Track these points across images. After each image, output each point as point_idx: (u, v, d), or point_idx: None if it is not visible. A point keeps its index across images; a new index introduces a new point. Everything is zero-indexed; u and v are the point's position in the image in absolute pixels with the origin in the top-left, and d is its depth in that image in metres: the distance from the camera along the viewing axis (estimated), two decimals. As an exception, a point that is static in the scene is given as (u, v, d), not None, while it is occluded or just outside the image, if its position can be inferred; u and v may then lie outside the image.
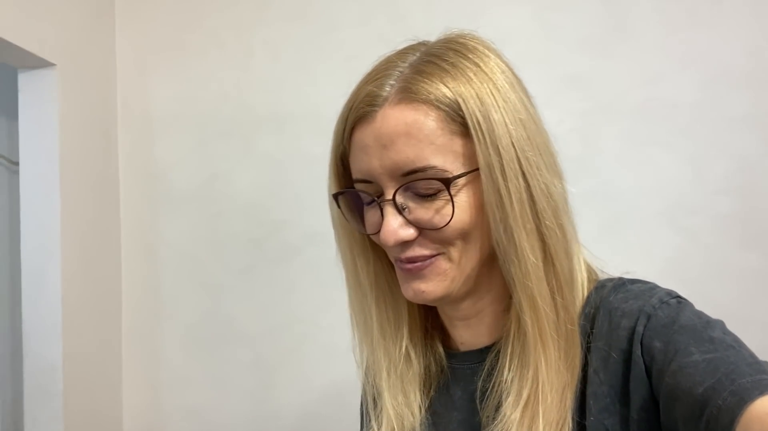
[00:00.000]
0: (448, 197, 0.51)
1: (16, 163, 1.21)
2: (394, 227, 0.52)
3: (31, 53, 1.09)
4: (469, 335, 0.60)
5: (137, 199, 1.40)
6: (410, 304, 0.61)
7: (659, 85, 1.22)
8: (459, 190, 0.51)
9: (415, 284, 0.54)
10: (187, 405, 1.35)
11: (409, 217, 0.52)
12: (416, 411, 0.60)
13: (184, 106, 1.39)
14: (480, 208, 0.52)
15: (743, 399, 0.38)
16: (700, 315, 0.48)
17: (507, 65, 0.55)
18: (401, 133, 0.50)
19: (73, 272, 1.20)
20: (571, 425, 0.49)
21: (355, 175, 0.55)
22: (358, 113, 0.53)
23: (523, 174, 0.50)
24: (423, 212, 0.52)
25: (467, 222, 0.52)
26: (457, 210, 0.51)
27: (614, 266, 1.04)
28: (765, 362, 0.44)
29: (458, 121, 0.51)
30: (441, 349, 0.63)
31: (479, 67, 0.52)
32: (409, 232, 0.52)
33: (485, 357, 0.56)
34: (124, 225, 1.39)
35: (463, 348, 0.61)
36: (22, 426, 1.17)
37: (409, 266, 0.54)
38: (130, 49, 1.41)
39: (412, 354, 0.61)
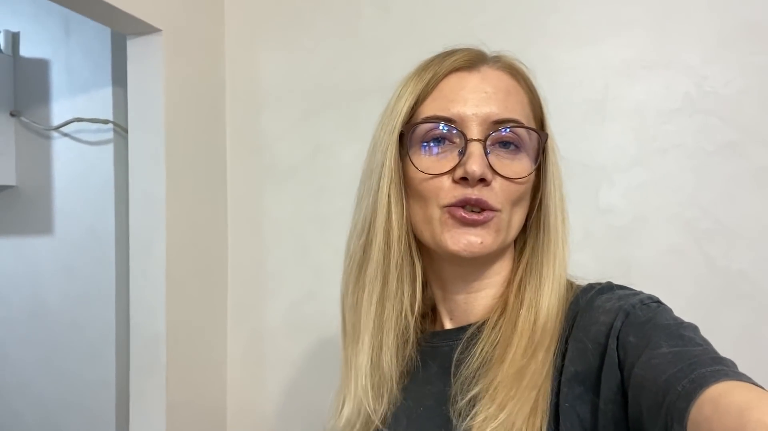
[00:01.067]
0: (531, 153, 0.58)
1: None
2: (481, 162, 0.55)
3: (138, 18, 1.05)
4: (461, 310, 0.62)
5: (244, 172, 1.35)
6: (412, 280, 0.62)
7: None
8: (530, 156, 0.59)
9: (472, 235, 0.56)
10: (288, 383, 1.30)
11: (491, 163, 0.56)
12: (395, 372, 0.62)
13: (290, 76, 1.31)
14: (531, 186, 0.60)
15: (700, 385, 0.40)
16: (676, 318, 0.50)
17: None
18: (503, 89, 0.57)
19: (179, 243, 1.16)
20: (545, 408, 0.50)
21: (440, 112, 0.57)
22: (461, 62, 0.58)
23: (558, 177, 0.61)
24: (501, 163, 0.56)
25: (529, 185, 0.59)
26: (535, 169, 0.59)
27: None
28: (728, 359, 0.44)
29: (538, 108, 0.61)
30: (419, 336, 0.65)
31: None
32: (489, 173, 0.55)
33: (464, 335, 0.59)
34: (230, 198, 1.35)
35: (448, 326, 0.63)
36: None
37: (474, 217, 0.56)
38: (238, 16, 1.35)
39: (410, 320, 0.62)
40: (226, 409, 1.30)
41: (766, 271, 0.98)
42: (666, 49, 1.04)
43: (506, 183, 0.56)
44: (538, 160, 0.58)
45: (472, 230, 0.56)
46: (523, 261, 0.60)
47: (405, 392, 0.63)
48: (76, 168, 1.40)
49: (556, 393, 0.51)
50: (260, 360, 1.32)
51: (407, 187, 0.59)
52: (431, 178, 0.57)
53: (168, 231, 1.12)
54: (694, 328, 0.49)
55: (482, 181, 0.55)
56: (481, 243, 0.56)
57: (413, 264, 0.62)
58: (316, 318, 1.28)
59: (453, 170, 0.55)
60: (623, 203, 1.06)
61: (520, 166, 0.57)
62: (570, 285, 0.60)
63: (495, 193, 0.56)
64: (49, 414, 1.45)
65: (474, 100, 0.56)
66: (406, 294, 0.61)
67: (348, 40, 1.27)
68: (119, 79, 1.33)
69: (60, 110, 1.42)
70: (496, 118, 0.56)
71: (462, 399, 0.54)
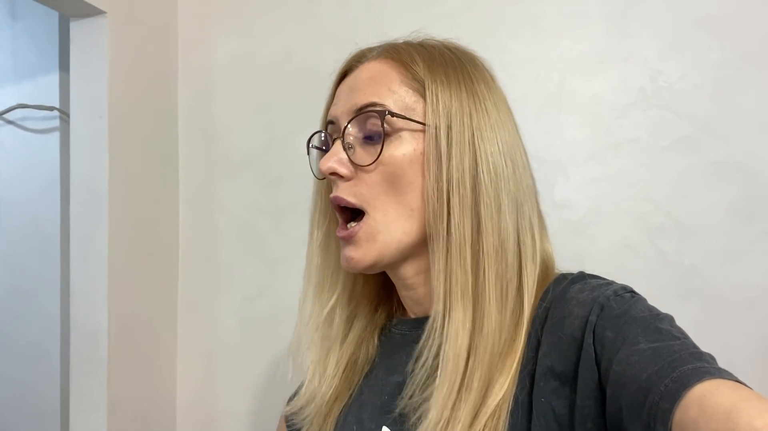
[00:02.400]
0: (383, 137, 0.54)
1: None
2: (333, 158, 0.55)
3: (82, 0, 1.00)
4: (415, 306, 0.61)
5: (196, 162, 1.30)
6: (351, 279, 0.64)
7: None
8: (398, 137, 0.54)
9: (347, 251, 0.56)
10: (240, 381, 1.25)
11: (351, 157, 0.55)
12: (325, 377, 0.63)
13: (246, 63, 1.27)
14: (418, 164, 0.54)
15: (683, 385, 0.39)
16: (651, 309, 0.49)
17: (493, 78, 0.60)
18: (367, 78, 0.57)
19: (123, 234, 1.10)
20: (511, 399, 0.49)
21: (327, 118, 0.60)
22: (344, 68, 0.61)
23: (473, 148, 0.53)
24: (363, 154, 0.55)
25: (397, 169, 0.54)
26: (387, 151, 0.54)
27: (748, 258, 0.91)
28: (707, 353, 0.44)
29: (420, 82, 0.55)
30: (381, 327, 0.66)
31: (461, 62, 0.57)
32: (344, 169, 0.55)
33: (421, 326, 0.56)
34: (182, 188, 1.30)
35: (412, 315, 0.63)
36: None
37: (341, 233, 0.56)
38: (192, 1, 1.30)
39: (337, 319, 0.64)
40: (175, 408, 1.25)
41: (717, 266, 0.98)
42: (622, 44, 1.03)
43: (365, 173, 0.54)
44: (382, 141, 0.53)
45: (345, 246, 0.57)
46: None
47: (369, 378, 0.63)
48: (20, 156, 1.33)
49: (530, 386, 0.50)
50: (211, 356, 1.27)
51: None
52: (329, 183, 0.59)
53: (110, 221, 1.06)
54: (670, 319, 0.48)
55: (341, 177, 0.55)
56: (353, 258, 0.55)
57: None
58: (270, 313, 1.24)
59: None
60: (578, 198, 1.05)
61: (375, 151, 0.54)
62: (545, 278, 0.57)
63: (356, 186, 0.55)
64: (-8, 414, 1.38)
65: (344, 98, 0.57)
66: (329, 298, 0.64)
67: (305, 27, 1.23)
68: (66, 64, 1.27)
69: (4, 96, 1.34)
70: (356, 107, 0.55)
71: (414, 401, 0.53)
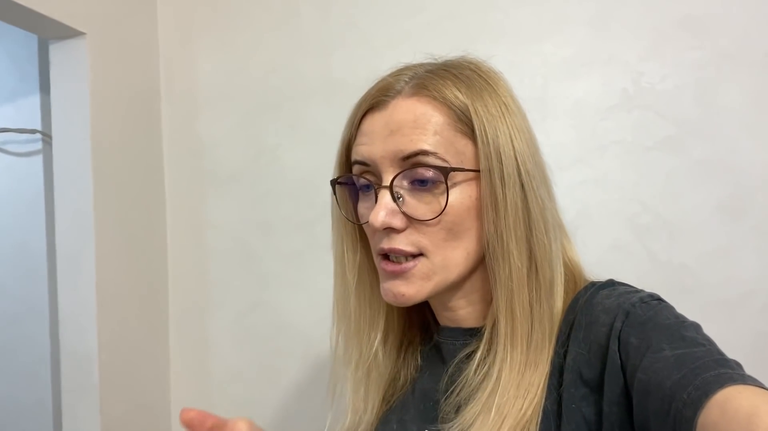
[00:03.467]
0: (444, 188, 0.52)
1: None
2: (384, 210, 0.52)
3: (58, 22, 0.98)
4: (452, 321, 0.61)
5: (183, 179, 1.29)
6: (390, 308, 0.63)
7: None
8: (455, 185, 0.53)
9: (396, 287, 0.54)
10: (235, 397, 1.24)
11: (403, 208, 0.53)
12: (369, 408, 0.63)
13: (229, 77, 1.26)
14: (474, 210, 0.53)
15: (706, 393, 0.39)
16: (677, 316, 0.48)
17: (512, 90, 0.57)
18: (409, 121, 0.53)
19: (111, 256, 1.09)
20: (539, 418, 0.49)
21: (355, 157, 0.56)
22: (371, 101, 0.56)
23: (522, 185, 0.52)
24: (416, 204, 0.53)
25: (458, 218, 0.53)
26: (450, 203, 0.52)
27: (737, 255, 0.90)
28: (732, 359, 0.43)
29: (466, 122, 0.53)
30: (420, 348, 0.66)
31: (490, 85, 0.55)
32: (398, 221, 0.53)
33: (467, 338, 0.58)
34: (169, 207, 1.29)
35: (449, 325, 0.61)
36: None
37: (391, 267, 0.54)
38: (172, 17, 1.29)
39: (381, 356, 0.63)
40: (170, 428, 1.23)
41: (707, 264, 0.98)
42: (603, 47, 1.03)
43: (424, 226, 0.53)
44: (447, 195, 0.52)
45: (395, 281, 0.55)
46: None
47: (417, 381, 0.64)
48: (4, 180, 1.31)
49: (557, 394, 0.50)
50: (205, 374, 1.25)
51: None
52: (366, 225, 0.57)
53: (97, 244, 1.05)
54: (696, 327, 0.47)
55: (392, 229, 0.53)
56: (404, 295, 0.54)
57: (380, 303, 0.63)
58: (263, 328, 1.23)
59: None
60: (566, 201, 1.04)
61: (437, 203, 0.53)
62: (576, 286, 0.57)
63: (413, 238, 0.53)
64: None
65: (381, 139, 0.54)
66: (375, 334, 0.63)
67: (287, 39, 1.22)
68: (47, 86, 1.26)
69: (-15, 120, 1.33)
70: (402, 155, 0.52)
71: (453, 413, 0.54)
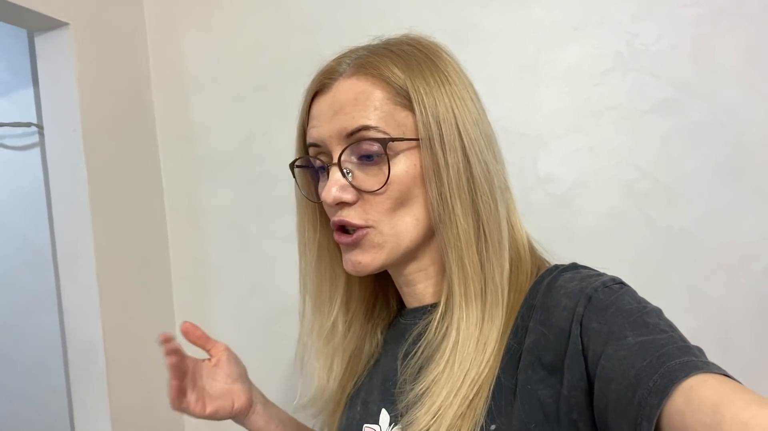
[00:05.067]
0: (386, 159, 0.54)
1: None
2: (335, 186, 0.55)
3: (40, 13, 0.98)
4: (414, 299, 0.63)
5: (177, 164, 1.29)
6: (351, 283, 0.66)
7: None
8: (397, 155, 0.55)
9: (353, 256, 0.57)
10: (244, 380, 1.27)
11: (353, 182, 0.56)
12: (332, 376, 0.67)
13: (217, 60, 1.25)
14: (419, 178, 0.56)
15: (671, 381, 0.39)
16: (639, 300, 0.49)
17: (457, 63, 0.60)
18: (350, 100, 0.56)
19: (109, 245, 1.11)
20: (492, 383, 0.50)
21: (309, 140, 0.59)
22: (317, 86, 0.60)
23: (464, 150, 0.55)
24: (364, 177, 0.56)
25: (404, 187, 0.55)
26: (393, 172, 0.55)
27: (738, 217, 0.91)
28: (695, 346, 0.44)
29: (404, 95, 0.56)
30: (384, 324, 0.69)
31: (430, 58, 0.58)
32: (349, 195, 0.56)
33: (424, 315, 0.60)
34: (166, 192, 1.30)
35: (413, 305, 0.64)
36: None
37: (345, 239, 0.57)
38: (157, 1, 1.29)
39: (340, 327, 0.66)
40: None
41: (708, 228, 0.96)
42: (595, 8, 1.00)
43: (372, 196, 0.55)
44: (388, 165, 0.54)
45: (351, 251, 0.58)
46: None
47: (377, 365, 0.66)
48: (3, 175, 1.34)
49: (514, 371, 0.50)
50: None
51: None
52: (324, 204, 0.59)
53: (95, 233, 1.06)
54: (658, 312, 0.48)
55: (344, 203, 0.56)
56: (360, 263, 0.57)
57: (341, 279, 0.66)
58: (264, 311, 1.24)
59: None
60: (561, 170, 1.03)
61: (382, 174, 0.55)
62: (520, 256, 0.59)
63: (363, 210, 0.56)
64: (3, 428, 1.41)
65: (327, 120, 0.56)
66: (332, 307, 0.67)
67: (272, 19, 1.21)
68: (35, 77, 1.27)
69: (-19, 115, 1.35)
70: (346, 132, 0.55)
71: (405, 393, 0.55)
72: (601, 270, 0.54)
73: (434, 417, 0.50)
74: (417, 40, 0.60)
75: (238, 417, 0.71)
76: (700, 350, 0.44)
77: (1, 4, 0.96)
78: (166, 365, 0.67)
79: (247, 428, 0.73)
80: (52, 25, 1.04)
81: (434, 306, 0.59)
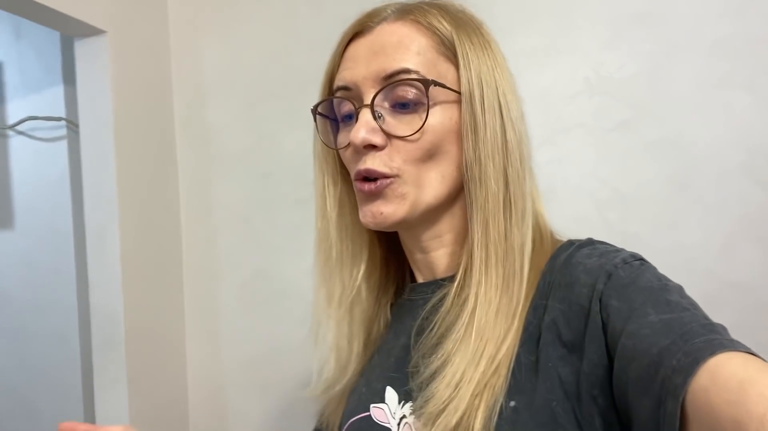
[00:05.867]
0: (425, 105, 0.51)
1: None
2: (366, 128, 0.52)
3: (83, 22, 1.13)
4: (426, 270, 0.60)
5: (193, 162, 1.43)
6: (372, 244, 0.63)
7: (742, 18, 1.06)
8: (434, 106, 0.53)
9: (374, 206, 0.54)
10: (243, 357, 1.40)
11: (383, 126, 0.53)
12: (354, 349, 0.63)
13: (233, 70, 1.40)
14: (453, 134, 0.53)
15: (696, 359, 0.38)
16: (660, 277, 0.48)
17: (496, 40, 0.59)
18: (393, 42, 0.53)
19: (133, 230, 1.25)
20: (512, 360, 0.48)
21: (337, 83, 0.56)
22: (357, 27, 0.56)
23: (501, 113, 0.53)
24: (396, 123, 0.53)
25: (437, 138, 0.53)
26: (429, 121, 0.52)
27: (683, 223, 1.00)
28: (718, 324, 0.43)
29: (449, 47, 0.54)
30: (391, 301, 0.65)
31: (475, 23, 0.57)
32: (378, 138, 0.52)
33: (436, 289, 0.57)
34: (181, 186, 1.44)
35: (422, 280, 0.61)
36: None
37: (368, 187, 0.53)
38: (181, 15, 1.43)
39: (364, 291, 0.62)
40: (186, 381, 1.40)
41: (658, 232, 1.11)
42: (568, 39, 1.16)
43: (402, 143, 0.52)
44: (427, 111, 0.52)
45: (372, 201, 0.54)
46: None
47: (383, 341, 0.63)
48: (32, 164, 1.46)
49: (535, 349, 0.49)
50: (216, 333, 1.41)
51: None
52: (344, 151, 0.56)
53: (121, 220, 1.20)
54: (679, 289, 0.47)
55: (373, 147, 0.53)
56: (382, 213, 0.53)
57: (362, 236, 0.62)
58: (266, 294, 1.38)
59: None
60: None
61: (417, 120, 0.52)
62: (542, 237, 0.57)
63: (389, 157, 0.53)
64: (22, 397, 1.52)
65: (365, 61, 0.53)
66: (358, 268, 0.62)
67: (285, 34, 1.36)
68: (70, 77, 1.40)
69: (14, 109, 1.48)
70: (385, 73, 0.52)
71: (419, 370, 0.52)
72: (619, 246, 0.53)
73: (455, 389, 0.48)
74: (463, 7, 0.59)
75: None
76: (723, 328, 0.43)
77: (49, 13, 1.10)
78: None
79: None
80: (91, 32, 1.18)
81: (447, 280, 0.57)
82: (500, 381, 0.48)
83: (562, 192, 1.17)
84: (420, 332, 0.56)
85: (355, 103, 0.55)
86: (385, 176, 0.53)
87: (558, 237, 0.60)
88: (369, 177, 0.54)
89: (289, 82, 1.35)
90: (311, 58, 1.34)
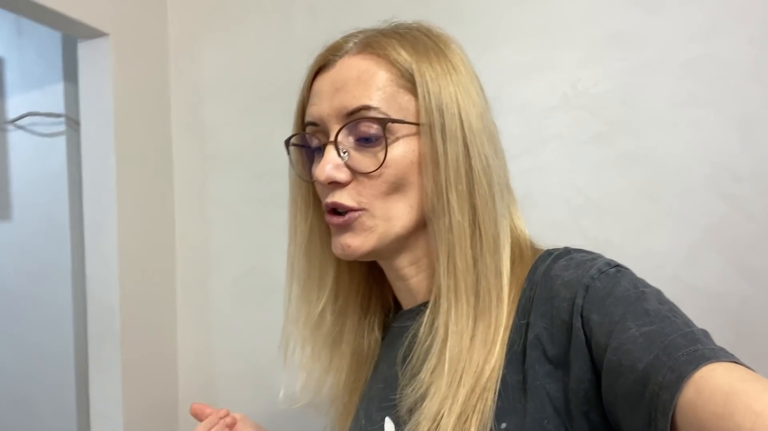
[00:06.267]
0: (384, 142, 0.52)
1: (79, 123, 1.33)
2: (330, 165, 0.53)
3: (86, 24, 1.18)
4: (408, 296, 0.61)
5: (189, 160, 1.49)
6: (342, 269, 0.63)
7: (710, 41, 1.13)
8: (397, 140, 0.53)
9: (343, 239, 0.55)
10: (235, 349, 1.45)
11: (348, 162, 0.54)
12: (319, 367, 0.64)
13: (230, 73, 1.45)
14: (416, 165, 0.54)
15: (681, 376, 0.38)
16: (636, 284, 0.48)
17: (465, 55, 0.59)
18: (353, 77, 0.54)
19: (130, 225, 1.30)
20: (497, 382, 0.48)
21: (307, 118, 0.57)
22: (321, 62, 0.58)
23: (465, 141, 0.53)
24: (360, 158, 0.54)
25: (400, 172, 0.53)
26: (390, 156, 0.53)
27: (652, 232, 1.04)
28: (699, 329, 0.43)
29: (408, 79, 0.54)
30: (381, 320, 0.66)
31: (439, 47, 0.56)
32: (342, 174, 0.54)
33: (417, 315, 0.57)
34: (176, 183, 1.49)
35: (408, 306, 0.62)
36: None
37: (336, 220, 0.55)
38: (180, 18, 1.48)
39: (329, 316, 0.63)
40: (177, 370, 1.45)
41: (628, 239, 1.18)
42: (548, 55, 1.23)
43: (366, 178, 0.53)
44: (385, 147, 0.52)
45: (341, 234, 0.55)
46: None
47: (376, 372, 0.63)
48: (31, 158, 1.51)
49: (521, 368, 0.49)
50: (207, 327, 1.47)
51: None
52: (317, 183, 0.57)
53: (119, 214, 1.26)
54: (657, 294, 0.47)
55: (337, 183, 0.54)
56: (350, 246, 0.54)
57: (331, 266, 0.63)
58: (257, 290, 1.43)
59: None
60: (514, 185, 1.25)
61: (380, 156, 0.53)
62: (521, 250, 0.57)
63: (356, 192, 0.54)
64: (15, 386, 1.57)
65: (328, 98, 0.54)
66: (323, 293, 0.63)
67: (281, 39, 1.42)
68: (70, 75, 1.45)
69: (15, 105, 1.52)
70: (346, 111, 0.53)
71: (406, 398, 0.53)
72: (596, 252, 0.54)
73: (434, 422, 0.48)
74: (428, 28, 0.59)
75: None
76: (705, 333, 0.43)
77: (54, 16, 1.15)
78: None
79: None
80: (94, 34, 1.23)
81: (426, 304, 0.57)
82: (488, 405, 0.47)
83: (539, 199, 1.24)
84: (403, 360, 0.56)
85: (322, 138, 0.56)
86: (353, 210, 0.54)
87: (537, 246, 0.60)
88: (337, 210, 0.55)
89: (285, 85, 1.41)
90: (307, 62, 1.40)
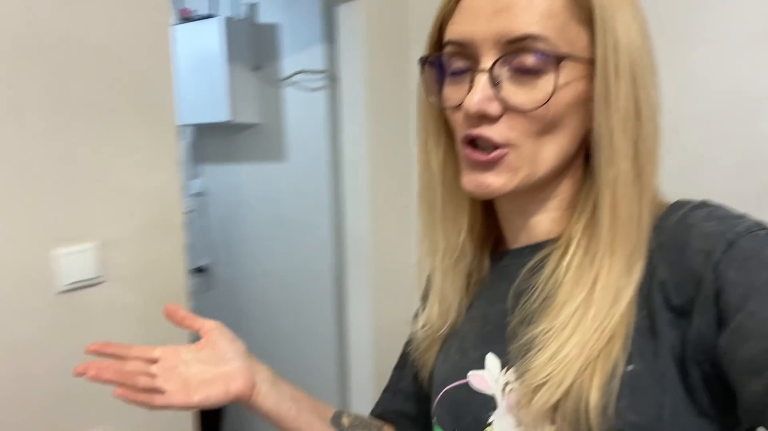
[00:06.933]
0: (551, 77, 0.46)
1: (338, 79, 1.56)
2: (481, 95, 0.47)
3: (345, -11, 1.37)
4: (521, 234, 0.57)
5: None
6: (477, 203, 0.59)
7: None
8: (562, 77, 0.47)
9: (482, 177, 0.50)
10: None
11: (501, 94, 0.47)
12: (457, 297, 0.60)
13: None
14: (579, 105, 0.48)
15: None
16: None
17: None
18: (521, 1, 0.46)
19: (377, 168, 1.52)
20: (628, 328, 0.46)
21: (451, 36, 0.50)
22: None
23: (635, 81, 0.47)
24: (516, 91, 0.47)
25: (560, 112, 0.48)
26: (555, 94, 0.46)
27: None
28: None
29: (584, 6, 0.47)
30: (487, 258, 0.61)
31: None
32: (494, 107, 0.47)
33: (535, 252, 0.54)
34: (412, 130, 1.65)
35: (516, 245, 0.57)
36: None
37: (479, 156, 0.49)
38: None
39: (467, 246, 0.59)
40: (413, 297, 1.66)
41: None
42: None
43: (521, 115, 0.48)
44: (554, 86, 0.46)
45: (480, 171, 0.50)
46: (587, 183, 0.52)
47: (473, 308, 0.61)
48: (301, 110, 1.81)
49: (650, 312, 0.46)
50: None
51: None
52: (452, 111, 0.51)
53: (370, 155, 1.49)
54: None
55: (485, 116, 0.48)
56: (489, 185, 0.50)
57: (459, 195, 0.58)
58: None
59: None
60: None
61: (540, 92, 0.47)
62: (653, 199, 0.51)
63: (506, 127, 0.48)
64: (287, 296, 1.98)
65: (486, 17, 0.47)
66: (462, 223, 0.59)
67: None
68: (328, 37, 1.68)
69: (288, 64, 1.83)
70: (509, 37, 0.46)
71: (518, 336, 0.50)
72: (741, 212, 0.48)
73: (559, 363, 0.46)
74: None
75: (240, 401, 0.60)
76: None
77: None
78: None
79: (255, 412, 0.61)
80: (352, -2, 1.42)
81: (548, 243, 0.53)
82: (617, 348, 0.45)
83: None
84: (518, 295, 0.52)
85: (466, 62, 0.49)
86: (501, 146, 0.48)
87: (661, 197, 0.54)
88: (481, 145, 0.49)
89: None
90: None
